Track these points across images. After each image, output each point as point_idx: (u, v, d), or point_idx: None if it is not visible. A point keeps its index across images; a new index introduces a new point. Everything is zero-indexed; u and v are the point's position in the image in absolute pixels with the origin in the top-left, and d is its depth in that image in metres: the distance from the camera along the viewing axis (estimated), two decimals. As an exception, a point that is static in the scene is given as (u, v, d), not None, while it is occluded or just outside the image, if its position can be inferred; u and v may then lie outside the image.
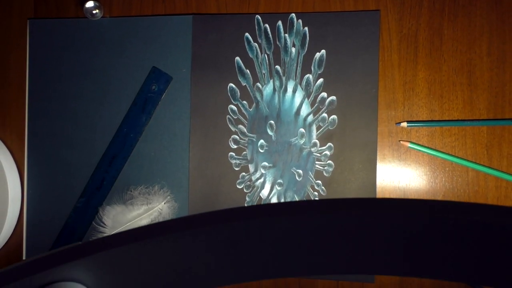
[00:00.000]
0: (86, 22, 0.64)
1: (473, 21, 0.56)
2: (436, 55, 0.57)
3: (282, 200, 0.60)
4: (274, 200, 0.60)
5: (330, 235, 0.28)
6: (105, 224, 0.62)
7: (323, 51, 0.59)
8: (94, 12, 0.62)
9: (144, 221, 0.62)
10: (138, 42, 0.63)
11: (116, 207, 0.63)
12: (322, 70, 0.59)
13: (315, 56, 0.59)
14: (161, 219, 0.62)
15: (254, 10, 0.61)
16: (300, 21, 0.59)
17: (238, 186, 0.61)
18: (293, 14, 0.59)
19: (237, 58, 0.61)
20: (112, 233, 0.61)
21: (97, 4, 0.62)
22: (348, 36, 0.58)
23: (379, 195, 0.58)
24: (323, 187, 0.59)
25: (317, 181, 0.59)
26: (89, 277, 0.28)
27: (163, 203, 0.61)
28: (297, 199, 0.60)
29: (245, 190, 0.61)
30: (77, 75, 0.65)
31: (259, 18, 0.60)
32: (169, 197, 0.62)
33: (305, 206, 0.28)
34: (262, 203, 0.60)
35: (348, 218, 0.28)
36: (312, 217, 0.28)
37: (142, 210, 0.62)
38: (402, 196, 0.57)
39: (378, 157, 0.58)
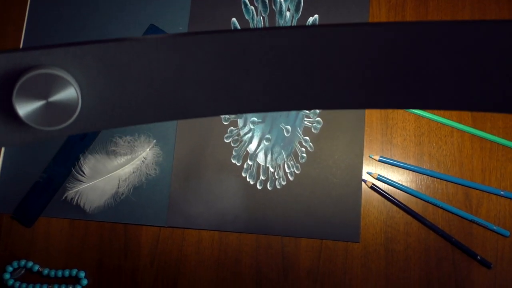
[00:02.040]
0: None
1: (456, -6, 0.61)
2: (422, 23, 0.61)
3: (269, 156, 0.61)
4: (261, 155, 0.61)
5: (322, 61, 0.29)
6: (83, 173, 0.61)
7: (316, 15, 0.63)
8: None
9: (125, 170, 0.61)
10: (136, 2, 0.66)
11: (98, 157, 0.62)
12: (314, 32, 0.62)
13: (308, 20, 0.63)
14: (143, 168, 0.61)
15: (253, -23, 0.65)
16: (295, -12, 0.63)
17: (225, 140, 0.61)
18: (289, -18, 0.63)
19: (234, 19, 0.64)
20: (90, 183, 0.60)
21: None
22: (340, 3, 0.63)
23: (366, 151, 0.59)
24: (310, 143, 0.60)
25: (305, 137, 0.60)
26: (78, 68, 0.27)
27: (147, 149, 0.61)
28: (284, 155, 0.60)
29: (232, 145, 0.61)
30: (75, 30, 0.67)
31: (257, -16, 0.64)
32: (155, 146, 0.61)
33: (300, 28, 0.29)
34: (248, 157, 0.60)
35: (340, 37, 0.29)
36: (305, 36, 0.29)
37: (124, 160, 0.61)
38: (390, 156, 0.58)
39: (365, 114, 0.59)
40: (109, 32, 0.67)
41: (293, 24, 0.64)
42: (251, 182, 0.61)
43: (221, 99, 0.30)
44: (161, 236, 0.62)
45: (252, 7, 0.65)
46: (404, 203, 0.58)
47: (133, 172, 0.62)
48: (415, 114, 0.60)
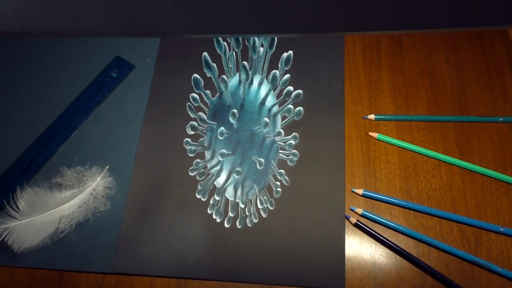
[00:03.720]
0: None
1: (428, 36, 0.63)
2: (398, 61, 0.61)
3: (239, 190, 0.54)
4: (230, 189, 0.54)
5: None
6: (18, 209, 0.53)
7: (290, 51, 0.62)
8: None
9: (69, 205, 0.53)
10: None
11: (38, 190, 0.54)
12: (289, 67, 0.61)
13: (283, 56, 0.62)
14: (91, 202, 0.53)
15: (226, 17, 0.66)
16: (269, 27, 0.64)
17: (190, 173, 0.56)
18: (263, 21, 0.64)
19: (205, 53, 0.63)
20: (24, 221, 0.52)
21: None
22: (314, 41, 0.63)
23: (348, 185, 0.54)
24: (286, 177, 0.55)
25: (280, 170, 0.55)
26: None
27: (98, 179, 0.54)
28: (256, 189, 0.54)
29: (197, 178, 0.55)
30: (32, 58, 0.64)
31: (230, 22, 0.64)
32: (107, 176, 0.54)
33: None
34: (216, 192, 0.54)
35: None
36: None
37: (69, 194, 0.54)
38: (375, 190, 0.53)
39: (345, 149, 0.56)
40: (71, 62, 0.64)
41: (267, 60, 0.63)
42: (218, 220, 0.54)
43: (191, 15, 0.25)
44: (104, 285, 0.51)
45: (225, 43, 0.64)
46: (394, 242, 0.51)
47: (79, 207, 0.54)
48: (398, 146, 0.57)
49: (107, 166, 0.56)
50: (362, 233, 0.53)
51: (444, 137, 0.57)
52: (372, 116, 0.58)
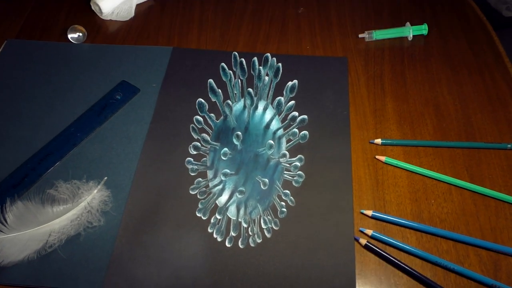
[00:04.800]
0: (64, 46, 0.69)
1: (430, 70, 0.65)
2: (401, 91, 0.63)
3: (242, 210, 0.52)
4: (232, 208, 0.52)
5: None
6: (5, 222, 0.50)
7: (295, 81, 0.63)
8: (77, 35, 0.69)
9: (61, 219, 0.50)
10: (112, 61, 0.67)
11: (29, 205, 0.52)
12: (294, 94, 0.62)
13: (288, 84, 0.63)
14: (84, 216, 0.51)
15: (232, 50, 0.68)
16: (274, 58, 0.66)
17: (191, 192, 0.54)
18: (268, 54, 0.66)
19: (210, 80, 0.64)
20: (10, 235, 0.50)
21: (80, 34, 0.69)
22: (319, 72, 0.65)
23: (356, 206, 0.52)
24: (291, 197, 0.53)
25: (285, 191, 0.53)
26: None
27: (95, 191, 0.52)
28: (260, 208, 0.52)
29: (198, 197, 0.53)
30: (39, 83, 0.64)
31: (236, 54, 0.67)
32: (104, 190, 0.52)
33: None
34: (217, 211, 0.52)
35: None
36: None
37: (62, 209, 0.51)
38: (385, 212, 0.51)
39: (352, 172, 0.55)
40: (78, 86, 0.64)
41: (272, 88, 0.63)
42: (219, 239, 0.51)
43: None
44: (91, 307, 0.47)
45: (230, 71, 0.65)
46: (408, 265, 0.48)
47: (71, 221, 0.51)
48: (406, 170, 0.55)
49: (105, 178, 0.54)
50: (373, 256, 0.49)
51: (453, 162, 0.56)
52: (378, 141, 0.58)
